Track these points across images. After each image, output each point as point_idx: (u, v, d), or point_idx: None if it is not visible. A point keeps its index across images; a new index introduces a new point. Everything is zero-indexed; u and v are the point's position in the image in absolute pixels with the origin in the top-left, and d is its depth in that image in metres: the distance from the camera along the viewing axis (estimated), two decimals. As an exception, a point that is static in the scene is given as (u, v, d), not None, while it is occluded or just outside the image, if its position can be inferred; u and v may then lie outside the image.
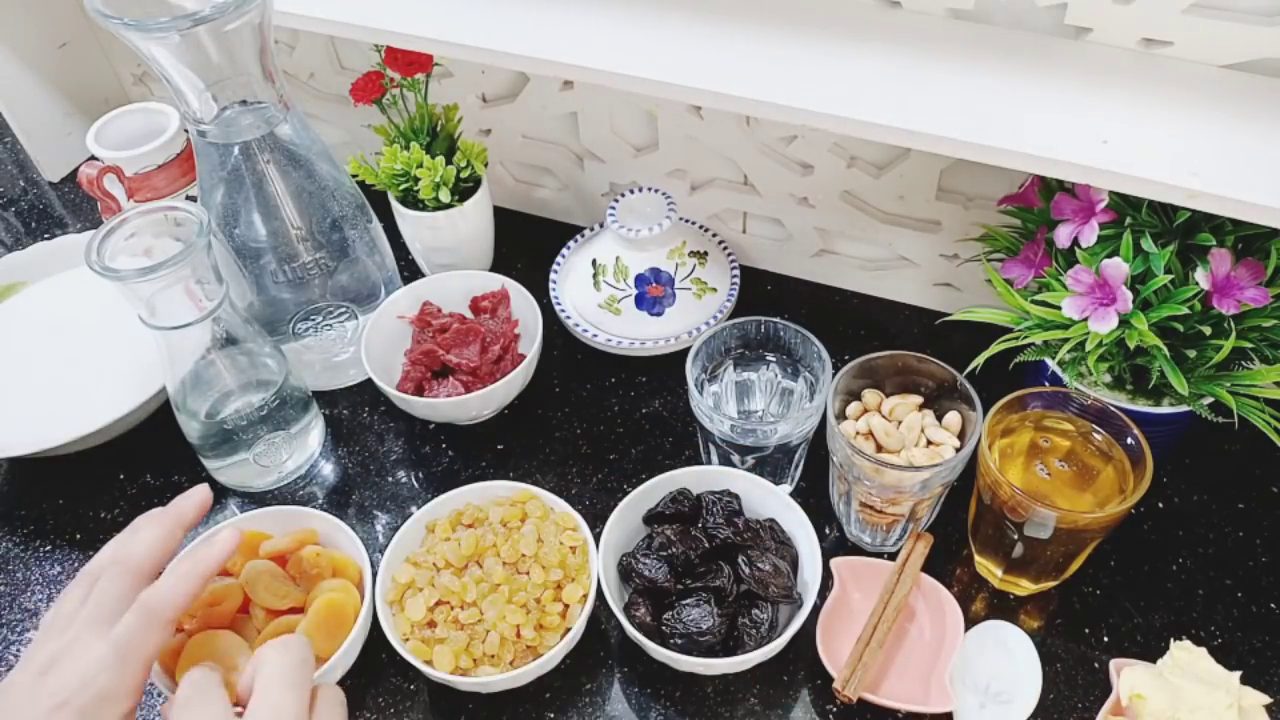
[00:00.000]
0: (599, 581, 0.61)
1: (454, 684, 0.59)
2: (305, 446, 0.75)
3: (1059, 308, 0.59)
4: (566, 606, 0.61)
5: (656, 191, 0.80)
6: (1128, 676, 0.57)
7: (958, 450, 0.62)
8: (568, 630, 0.60)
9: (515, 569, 0.62)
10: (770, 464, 0.68)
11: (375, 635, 0.62)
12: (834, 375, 0.64)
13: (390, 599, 0.62)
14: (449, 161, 0.79)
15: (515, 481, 0.67)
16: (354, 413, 0.79)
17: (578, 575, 0.62)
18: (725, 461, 0.69)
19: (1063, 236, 0.61)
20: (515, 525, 0.64)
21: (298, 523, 0.66)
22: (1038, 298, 0.62)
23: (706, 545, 0.63)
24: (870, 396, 0.66)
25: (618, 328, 0.80)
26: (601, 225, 0.85)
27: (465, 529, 0.65)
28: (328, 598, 0.60)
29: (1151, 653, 0.60)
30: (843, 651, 0.60)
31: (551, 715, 0.61)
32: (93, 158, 0.83)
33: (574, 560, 0.63)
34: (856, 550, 0.68)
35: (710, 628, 0.58)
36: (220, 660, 0.58)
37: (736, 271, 0.84)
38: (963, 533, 0.67)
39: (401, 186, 0.80)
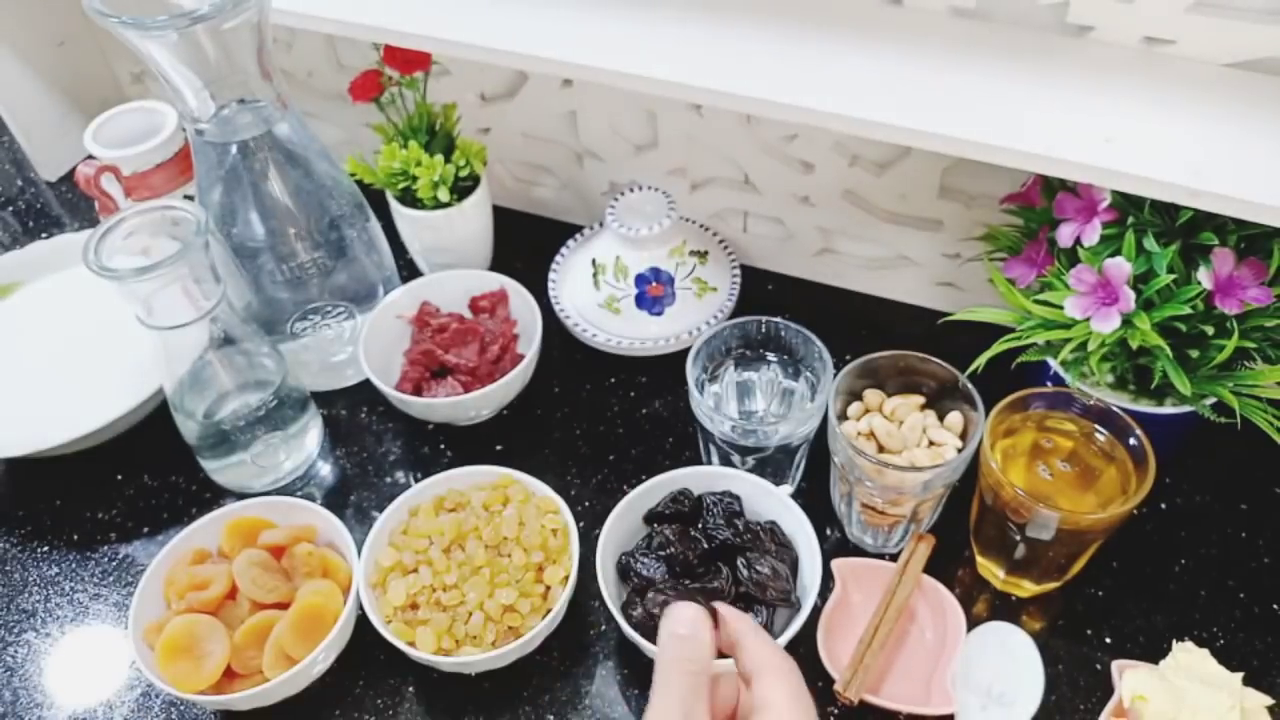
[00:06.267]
0: (596, 571, 0.61)
1: (437, 664, 0.59)
2: (303, 447, 0.75)
3: (1061, 307, 0.59)
4: (548, 588, 0.62)
5: (656, 190, 0.80)
6: (1130, 678, 0.57)
7: (960, 451, 0.61)
8: (549, 611, 0.61)
9: (497, 552, 0.63)
10: (771, 464, 0.67)
11: (368, 637, 0.61)
12: (835, 375, 0.64)
13: (373, 582, 0.63)
14: (447, 160, 0.79)
15: (497, 466, 0.67)
16: (352, 413, 0.79)
17: (559, 557, 0.63)
18: (726, 462, 0.68)
19: (1065, 236, 0.61)
20: (497, 509, 0.65)
21: (299, 517, 0.66)
22: (1040, 297, 0.62)
23: (705, 546, 0.62)
24: (872, 397, 0.65)
25: (618, 327, 0.80)
26: (601, 224, 0.84)
27: (448, 513, 0.66)
28: (309, 600, 0.61)
29: (1154, 654, 0.60)
30: (844, 653, 0.60)
31: (551, 717, 0.61)
32: (90, 156, 0.82)
33: (555, 543, 0.64)
34: (858, 551, 0.68)
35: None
36: (197, 645, 0.59)
37: (737, 271, 0.83)
38: (965, 534, 0.67)
39: (400, 185, 0.79)
